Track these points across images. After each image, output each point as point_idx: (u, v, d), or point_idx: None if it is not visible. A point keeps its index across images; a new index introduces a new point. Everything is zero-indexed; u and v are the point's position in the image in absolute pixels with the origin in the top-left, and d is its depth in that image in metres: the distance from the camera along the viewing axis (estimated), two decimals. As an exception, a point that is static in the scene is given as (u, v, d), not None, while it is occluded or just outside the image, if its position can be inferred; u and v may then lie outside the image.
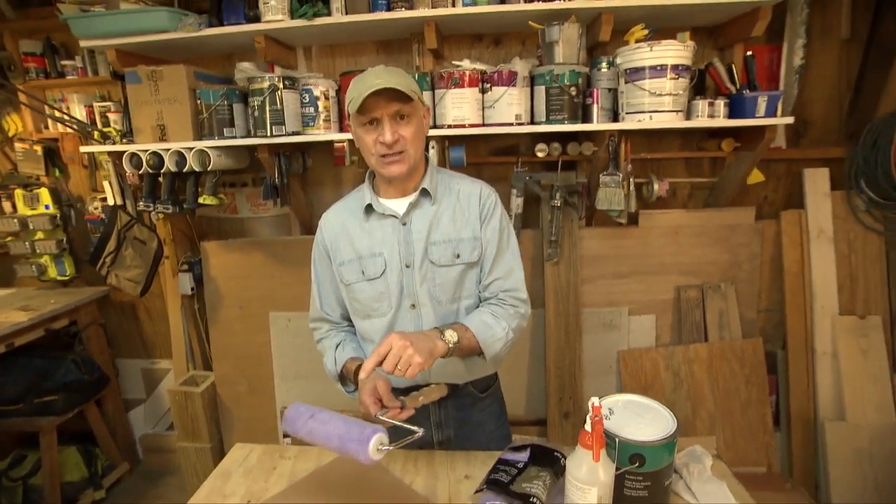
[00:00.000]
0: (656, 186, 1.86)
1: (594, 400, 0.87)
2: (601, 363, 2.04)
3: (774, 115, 1.63)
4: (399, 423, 0.96)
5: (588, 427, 0.86)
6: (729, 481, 1.03)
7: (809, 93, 1.93)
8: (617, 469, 0.89)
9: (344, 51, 2.04)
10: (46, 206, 2.18)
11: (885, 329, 1.91)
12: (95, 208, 2.24)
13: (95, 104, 2.07)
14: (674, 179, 1.95)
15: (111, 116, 2.05)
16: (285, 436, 2.20)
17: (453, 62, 1.73)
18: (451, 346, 1.01)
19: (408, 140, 1.02)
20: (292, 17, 1.68)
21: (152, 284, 2.12)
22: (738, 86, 1.69)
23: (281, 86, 1.65)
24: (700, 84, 1.75)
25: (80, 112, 2.08)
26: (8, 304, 2.13)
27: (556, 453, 1.05)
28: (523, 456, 1.06)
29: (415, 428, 0.92)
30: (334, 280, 1.18)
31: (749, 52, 1.68)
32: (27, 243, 2.21)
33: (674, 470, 1.05)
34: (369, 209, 1.12)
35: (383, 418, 0.97)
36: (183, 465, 2.24)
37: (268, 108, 1.66)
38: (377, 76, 0.98)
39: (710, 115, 1.63)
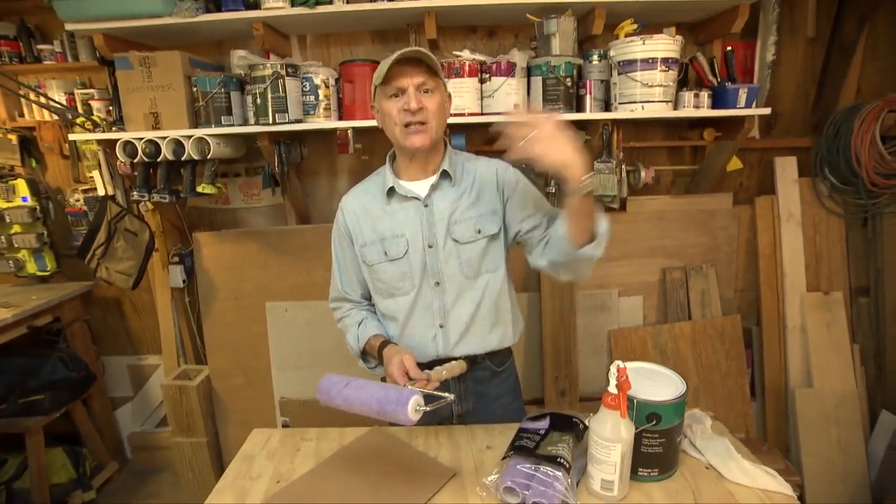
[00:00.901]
0: (643, 174, 1.96)
1: (618, 363, 0.95)
2: (593, 343, 2.15)
3: (753, 107, 1.75)
4: (429, 392, 1.01)
5: (612, 389, 0.93)
6: (728, 437, 1.13)
7: (779, 86, 2.08)
8: (635, 428, 0.96)
9: (339, 40, 2.05)
10: (24, 199, 2.08)
11: (845, 303, 2.10)
12: (77, 200, 2.16)
13: (77, 91, 2.00)
14: (658, 167, 2.06)
15: (94, 104, 1.99)
16: (285, 425, 2.20)
17: (453, 52, 1.77)
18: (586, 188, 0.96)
19: (431, 112, 1.05)
20: (293, 5, 1.67)
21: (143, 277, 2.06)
22: (718, 79, 1.81)
23: (284, 73, 1.65)
24: (684, 77, 1.86)
25: (59, 99, 1.99)
26: (-15, 301, 2.03)
27: (574, 419, 1.12)
28: (543, 424, 1.12)
29: (445, 394, 0.98)
30: (355, 261, 1.21)
31: (729, 48, 1.80)
32: (3, 237, 2.11)
33: (680, 430, 1.15)
34: (391, 192, 1.15)
35: (412, 388, 1.00)
36: (177, 461, 2.20)
37: (270, 96, 1.65)
38: (403, 51, 1.02)
39: (696, 105, 1.74)
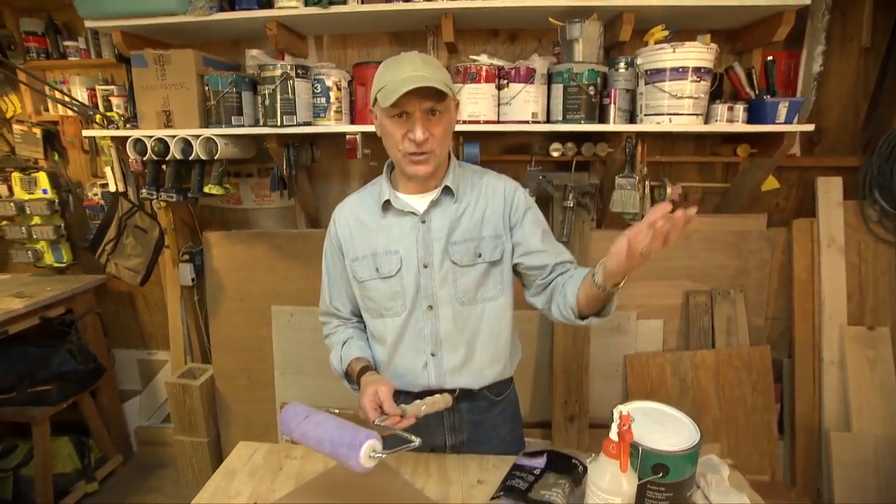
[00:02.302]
0: (669, 190, 1.84)
1: (621, 408, 0.85)
2: (608, 367, 2.02)
3: (794, 122, 1.61)
4: (397, 431, 0.92)
5: (613, 436, 0.84)
6: (748, 493, 1.01)
7: (826, 100, 1.91)
8: (639, 479, 0.86)
9: (356, 41, 2.00)
10: (44, 191, 2.12)
11: (893, 341, 1.91)
12: (95, 194, 2.19)
13: (98, 87, 2.02)
14: (686, 183, 1.93)
15: (114, 100, 2.00)
16: (284, 432, 2.17)
17: (470, 56, 1.69)
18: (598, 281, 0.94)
19: (437, 139, 0.97)
20: (306, 5, 1.63)
21: (152, 274, 2.07)
22: (756, 91, 1.67)
23: (293, 74, 1.61)
24: (718, 88, 1.72)
25: (81, 95, 2.01)
26: (3, 291, 2.07)
27: (573, 460, 1.03)
28: (540, 462, 1.03)
29: (412, 437, 0.88)
30: (345, 275, 1.14)
31: (770, 58, 1.66)
32: (23, 228, 2.16)
33: (693, 480, 1.03)
34: (387, 205, 1.07)
35: (381, 425, 0.93)
36: (179, 459, 2.20)
37: (279, 97, 1.62)
38: (414, 67, 0.93)
39: (730, 119, 1.60)
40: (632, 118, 1.68)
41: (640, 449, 0.89)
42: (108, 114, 1.90)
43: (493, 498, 0.97)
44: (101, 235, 1.87)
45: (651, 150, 1.88)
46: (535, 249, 1.08)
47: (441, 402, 1.04)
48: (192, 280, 2.16)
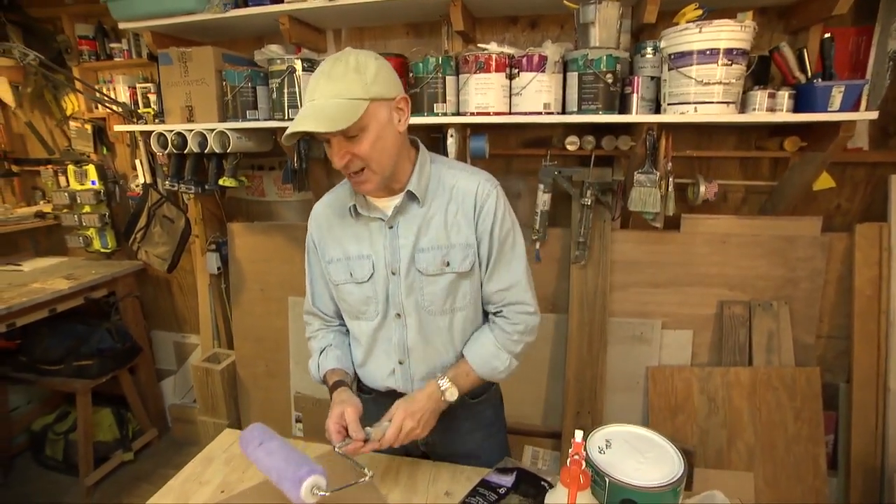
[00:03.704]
0: (703, 188, 1.65)
1: (577, 434, 0.76)
2: (627, 378, 1.87)
3: (854, 109, 1.38)
4: (354, 462, 0.91)
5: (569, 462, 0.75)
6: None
7: (904, 85, 1.63)
8: (602, 514, 0.77)
9: (373, 33, 1.97)
10: (93, 182, 2.30)
11: (980, 371, 1.60)
12: (137, 185, 2.34)
13: (138, 85, 2.15)
14: (725, 181, 1.73)
15: (151, 97, 2.12)
16: (298, 420, 2.21)
17: (479, 45, 1.61)
18: (452, 403, 1.01)
19: (364, 155, 0.88)
20: (315, -3, 1.63)
21: (182, 261, 2.18)
22: (809, 75, 1.45)
23: (299, 68, 1.61)
24: (763, 73, 1.52)
25: (124, 93, 2.16)
26: (55, 273, 2.27)
27: (542, 482, 0.95)
28: (507, 480, 0.97)
29: (366, 470, 0.88)
30: (323, 276, 1.11)
31: (828, 35, 1.43)
32: (76, 216, 2.35)
33: (681, 519, 0.91)
34: (354, 209, 1.01)
35: (341, 452, 0.92)
36: (203, 438, 2.32)
37: (285, 91, 1.63)
38: (314, 91, 0.86)
39: (771, 108, 1.40)
40: (657, 108, 1.52)
41: (608, 480, 0.79)
42: (145, 110, 2.02)
43: (449, 513, 0.92)
44: (132, 224, 1.99)
45: (683, 144, 1.71)
46: (483, 274, 1.03)
47: None
48: (219, 269, 2.26)
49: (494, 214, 0.99)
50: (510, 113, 1.61)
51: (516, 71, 1.57)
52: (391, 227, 1.00)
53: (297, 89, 1.63)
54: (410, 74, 1.68)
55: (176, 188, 1.87)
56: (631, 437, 0.90)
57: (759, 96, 1.39)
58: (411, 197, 0.98)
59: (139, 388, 2.45)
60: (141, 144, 1.95)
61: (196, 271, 2.34)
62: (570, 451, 0.74)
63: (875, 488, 1.69)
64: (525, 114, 1.58)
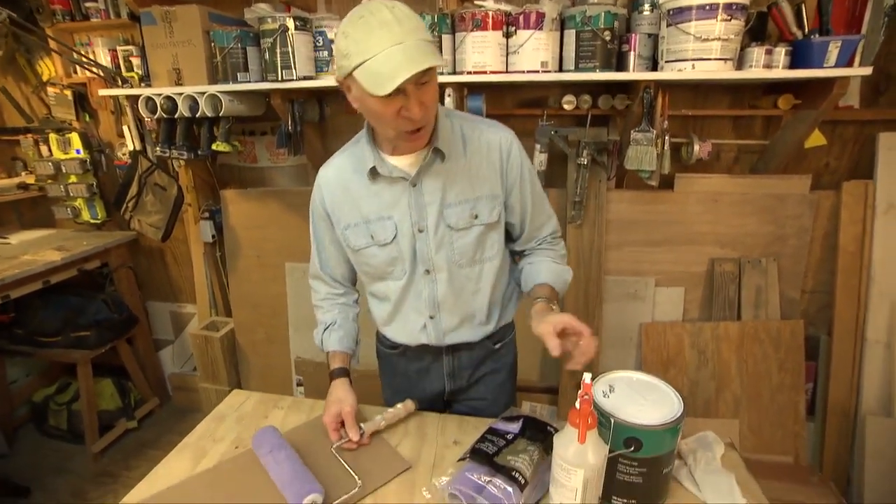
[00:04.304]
0: (697, 147, 1.67)
1: (586, 376, 0.80)
2: (622, 335, 1.94)
3: (848, 65, 1.39)
4: (347, 467, 0.94)
5: (578, 404, 0.79)
6: (740, 474, 0.94)
7: (897, 41, 1.64)
8: (610, 451, 0.82)
9: (364, -9, 1.91)
10: (77, 151, 2.23)
11: (953, 319, 1.69)
12: (123, 154, 2.28)
13: (119, 48, 2.06)
14: (719, 140, 1.75)
15: (134, 61, 2.03)
16: (299, 384, 2.26)
17: (475, 2, 1.57)
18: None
19: (430, 107, 0.87)
20: (303, -49, 1.56)
21: (175, 230, 2.16)
22: (806, 30, 1.45)
23: (291, 27, 1.56)
24: (760, 29, 1.52)
25: (104, 56, 2.07)
26: (45, 245, 2.23)
27: (549, 427, 1.00)
28: (514, 427, 1.01)
29: (357, 479, 0.92)
30: (336, 243, 1.09)
31: (825, -11, 1.43)
32: (62, 186, 2.30)
33: (678, 456, 0.97)
34: (374, 171, 0.98)
35: (337, 455, 0.97)
36: (205, 405, 2.36)
37: (278, 51, 1.58)
38: (391, 35, 0.78)
39: (768, 64, 1.41)
40: (654, 66, 1.52)
41: (613, 421, 0.83)
42: (128, 74, 1.94)
43: (459, 460, 0.96)
44: (123, 193, 1.96)
45: (679, 103, 1.72)
46: (521, 220, 1.07)
47: (403, 410, 1.08)
48: (213, 237, 2.24)
49: (521, 162, 1.02)
50: (507, 72, 1.60)
51: (513, 29, 1.55)
52: (415, 185, 0.98)
53: (289, 49, 1.58)
54: (405, 33, 1.64)
55: (167, 154, 1.83)
56: (632, 382, 0.95)
57: (756, 53, 1.40)
58: (436, 153, 0.96)
59: (138, 358, 2.46)
60: (128, 110, 1.88)
61: (189, 240, 2.32)
62: (579, 392, 0.78)
63: (848, 431, 1.80)
64: (523, 72, 1.57)
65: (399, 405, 1.09)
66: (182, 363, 2.61)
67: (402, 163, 0.97)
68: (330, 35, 1.64)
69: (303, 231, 2.08)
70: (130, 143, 1.95)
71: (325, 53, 1.66)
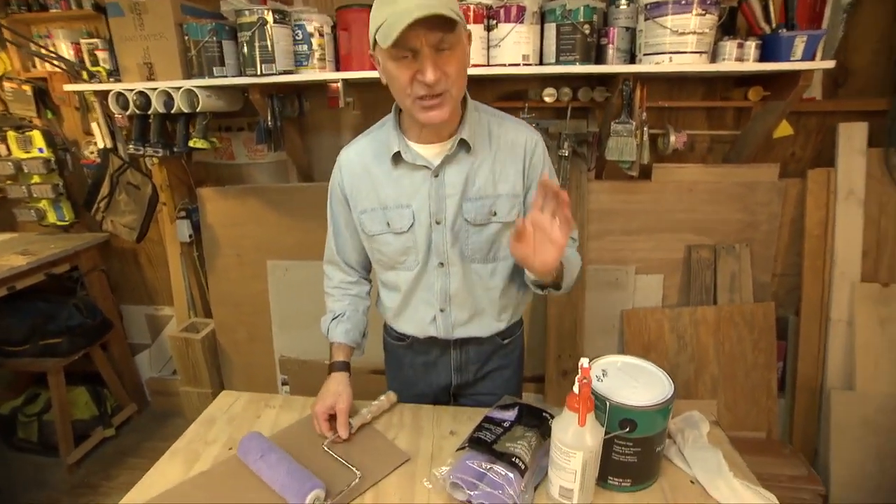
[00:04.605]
0: (673, 138, 1.73)
1: (583, 361, 0.82)
2: (604, 322, 1.99)
3: (813, 59, 1.46)
4: (343, 461, 0.95)
5: (576, 389, 0.81)
6: (725, 448, 0.99)
7: (856, 36, 1.73)
8: (606, 433, 0.85)
9: (342, -18, 1.88)
10: (40, 150, 2.13)
11: (908, 297, 1.81)
12: (91, 152, 2.18)
13: (83, 41, 1.96)
14: (693, 131, 1.81)
15: (100, 54, 1.94)
16: (284, 383, 2.23)
17: (457, -5, 1.57)
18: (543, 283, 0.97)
19: (451, 78, 0.84)
20: (280, -59, 1.53)
21: (150, 230, 2.09)
22: (773, 25, 1.52)
23: (270, 20, 1.53)
24: (730, 24, 1.57)
25: (66, 50, 1.97)
26: (9, 249, 2.12)
27: (544, 413, 1.02)
28: (510, 415, 1.02)
29: (355, 470, 0.92)
30: (351, 225, 1.08)
31: (790, -14, 1.49)
32: (24, 187, 2.19)
33: (668, 436, 1.01)
34: (397, 156, 0.97)
35: (330, 451, 0.98)
36: (186, 409, 2.30)
37: (256, 45, 1.55)
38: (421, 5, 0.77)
39: (739, 57, 1.47)
40: (632, 59, 1.56)
41: (608, 403, 0.86)
42: (94, 68, 1.86)
43: (458, 449, 0.98)
44: (94, 193, 1.88)
45: (655, 95, 1.76)
46: None
47: (386, 401, 1.09)
48: (190, 236, 2.18)
49: (543, 163, 1.01)
50: (489, 65, 1.61)
51: (494, 22, 1.56)
52: (437, 176, 0.97)
53: (268, 43, 1.55)
54: (386, 26, 1.63)
55: (141, 152, 1.77)
56: (624, 366, 0.98)
57: (729, 46, 1.45)
58: (462, 144, 0.95)
59: (113, 364, 2.38)
60: (96, 106, 1.80)
61: (165, 240, 2.25)
62: (577, 377, 0.81)
63: (815, 405, 1.91)
64: (504, 65, 1.58)
65: (382, 397, 1.10)
66: (160, 367, 2.54)
67: (427, 152, 0.96)
68: (309, 28, 1.62)
69: (284, 228, 2.07)
70: (100, 140, 1.87)
71: (305, 47, 1.63)
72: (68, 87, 1.79)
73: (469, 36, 0.90)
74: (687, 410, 1.09)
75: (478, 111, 0.99)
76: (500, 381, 1.18)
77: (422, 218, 0.99)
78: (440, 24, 0.78)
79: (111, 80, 1.78)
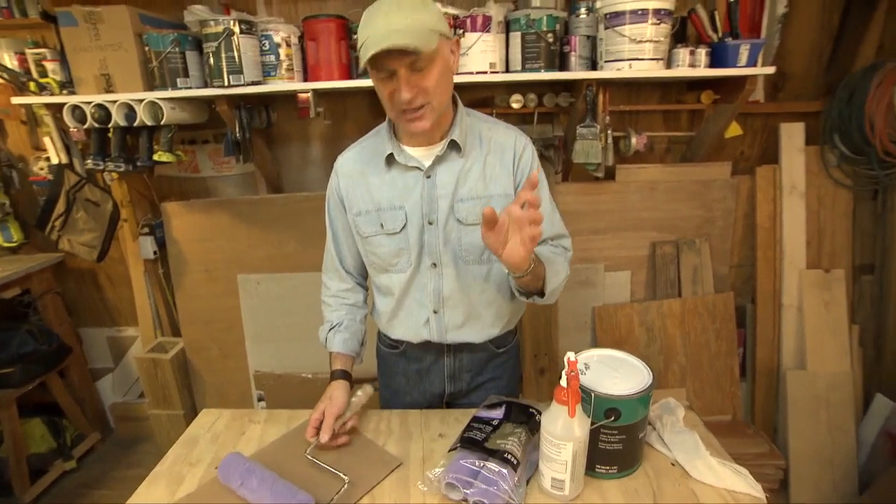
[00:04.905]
0: (634, 140, 1.82)
1: (570, 355, 0.86)
2: (576, 319, 2.06)
3: (756, 65, 1.58)
4: (328, 468, 0.95)
5: (563, 382, 0.84)
6: (700, 430, 1.05)
7: (790, 44, 1.89)
8: (592, 423, 0.88)
9: (306, -6, 1.88)
10: (-17, 167, 2.00)
11: (847, 282, 1.97)
12: (41, 169, 2.07)
13: (28, 51, 1.86)
14: (652, 133, 1.91)
15: (48, 65, 1.85)
16: (260, 399, 2.18)
17: (424, 5, 1.60)
18: (532, 262, 0.91)
19: (430, 90, 0.88)
20: (245, -48, 1.52)
21: (110, 249, 2.00)
22: (720, 34, 1.63)
23: (237, 30, 1.51)
24: (681, 32, 1.68)
25: (10, 60, 1.87)
26: (-50, 273, 1.98)
27: (531, 409, 1.05)
28: (498, 413, 1.05)
29: (342, 476, 0.92)
30: (349, 229, 1.09)
31: (732, -2, 1.61)
32: (-34, 207, 2.05)
33: (648, 422, 1.07)
34: (391, 158, 1.00)
35: (313, 458, 0.97)
36: (156, 433, 2.20)
37: (223, 55, 1.52)
38: (387, 19, 0.82)
39: (692, 64, 1.57)
40: (593, 66, 1.64)
41: (593, 395, 0.90)
42: (43, 80, 1.77)
43: (450, 450, 0.99)
44: (48, 211, 1.78)
45: (615, 100, 1.85)
46: None
47: (364, 398, 1.08)
48: (155, 253, 2.10)
49: (531, 166, 1.03)
50: (457, 73, 1.64)
51: (461, 31, 1.60)
52: (428, 177, 1.00)
53: (235, 54, 1.53)
54: (355, 37, 1.64)
55: (101, 167, 1.69)
56: (604, 359, 1.03)
57: (682, 53, 1.55)
58: (452, 146, 0.99)
59: (73, 391, 2.25)
60: (49, 119, 1.72)
61: (127, 258, 2.16)
62: (565, 371, 0.84)
63: (773, 386, 2.05)
64: (472, 73, 1.63)
65: (359, 392, 1.08)
66: (125, 391, 2.42)
67: (419, 153, 1.00)
68: (276, 39, 1.61)
69: (254, 241, 2.04)
70: (54, 156, 1.78)
71: (273, 58, 1.62)
72: (16, 100, 1.69)
73: (457, 43, 0.95)
74: (658, 399, 1.15)
75: (469, 115, 1.03)
76: (496, 391, 1.17)
77: (414, 218, 1.01)
78: (409, 51, 0.82)
79: (64, 92, 1.70)
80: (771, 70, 1.61)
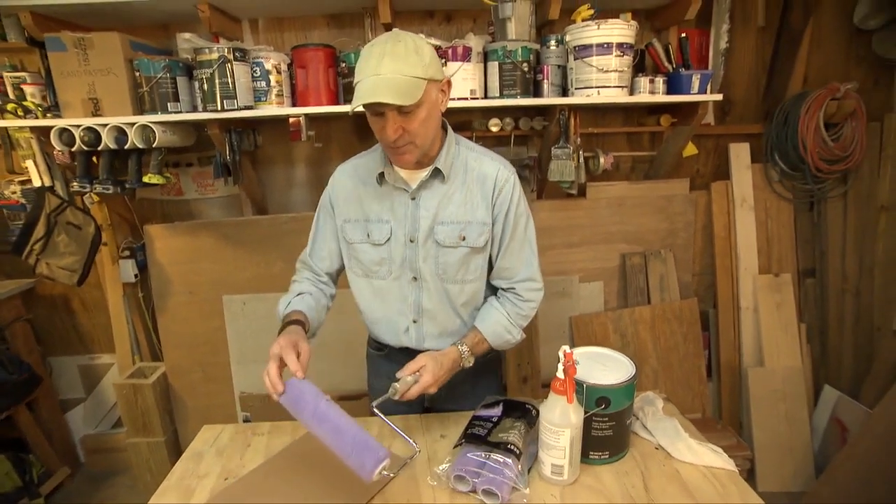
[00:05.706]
0: (602, 160, 1.98)
1: (565, 348, 0.95)
2: (555, 329, 2.17)
3: (706, 93, 1.78)
4: (398, 431, 1.02)
5: (560, 374, 0.93)
6: (679, 419, 1.16)
7: (733, 74, 2.12)
8: (585, 412, 0.97)
9: (293, 24, 1.97)
10: (-48, 191, 1.94)
11: (794, 285, 2.18)
12: (13, 192, 2.02)
13: (7, 74, 1.85)
14: (617, 153, 2.08)
15: (27, 88, 1.85)
16: (246, 420, 2.15)
17: (409, 37, 1.72)
18: (467, 366, 1.10)
19: (414, 131, 0.95)
20: (238, -15, 1.60)
21: (90, 273, 1.96)
22: (673, 65, 1.83)
23: (231, 58, 1.58)
24: (640, 63, 1.87)
25: (-12, 84, 1.85)
26: (-87, 302, 1.89)
27: (527, 405, 1.13)
28: (496, 411, 1.12)
29: (415, 445, 1.01)
30: (334, 234, 1.17)
31: (683, 35, 1.82)
32: (-69, 233, 1.97)
33: (633, 413, 1.16)
34: (382, 176, 1.09)
35: (378, 411, 0.99)
36: (134, 462, 2.13)
37: (217, 81, 1.58)
38: (377, 65, 0.89)
39: (652, 91, 1.75)
40: (564, 92, 1.79)
41: (585, 385, 1.00)
42: (24, 103, 1.77)
43: (455, 447, 1.05)
44: (26, 234, 1.75)
45: (584, 123, 2.01)
46: (495, 254, 1.12)
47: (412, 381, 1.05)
48: (136, 276, 2.07)
49: (510, 199, 1.07)
50: (442, 100, 1.76)
51: (444, 61, 1.73)
52: (413, 199, 1.08)
53: (229, 80, 1.59)
54: (343, 64, 1.74)
55: (87, 190, 1.69)
56: (591, 355, 1.13)
57: (643, 82, 1.73)
58: (436, 173, 1.06)
59: (41, 424, 2.15)
60: (33, 143, 1.71)
61: (105, 282, 2.12)
62: (562, 362, 0.93)
63: (737, 383, 2.21)
64: (454, 99, 1.75)
65: (408, 378, 1.03)
66: (97, 422, 2.33)
67: (406, 175, 1.08)
68: (267, 66, 1.68)
69: (239, 262, 2.06)
70: (36, 179, 1.76)
71: (263, 83, 1.69)
72: (3, 123, 1.68)
73: (448, 83, 1.01)
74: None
75: (458, 144, 1.10)
76: (474, 398, 1.17)
77: (398, 235, 1.10)
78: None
79: (49, 115, 1.70)
80: (719, 97, 1.81)
